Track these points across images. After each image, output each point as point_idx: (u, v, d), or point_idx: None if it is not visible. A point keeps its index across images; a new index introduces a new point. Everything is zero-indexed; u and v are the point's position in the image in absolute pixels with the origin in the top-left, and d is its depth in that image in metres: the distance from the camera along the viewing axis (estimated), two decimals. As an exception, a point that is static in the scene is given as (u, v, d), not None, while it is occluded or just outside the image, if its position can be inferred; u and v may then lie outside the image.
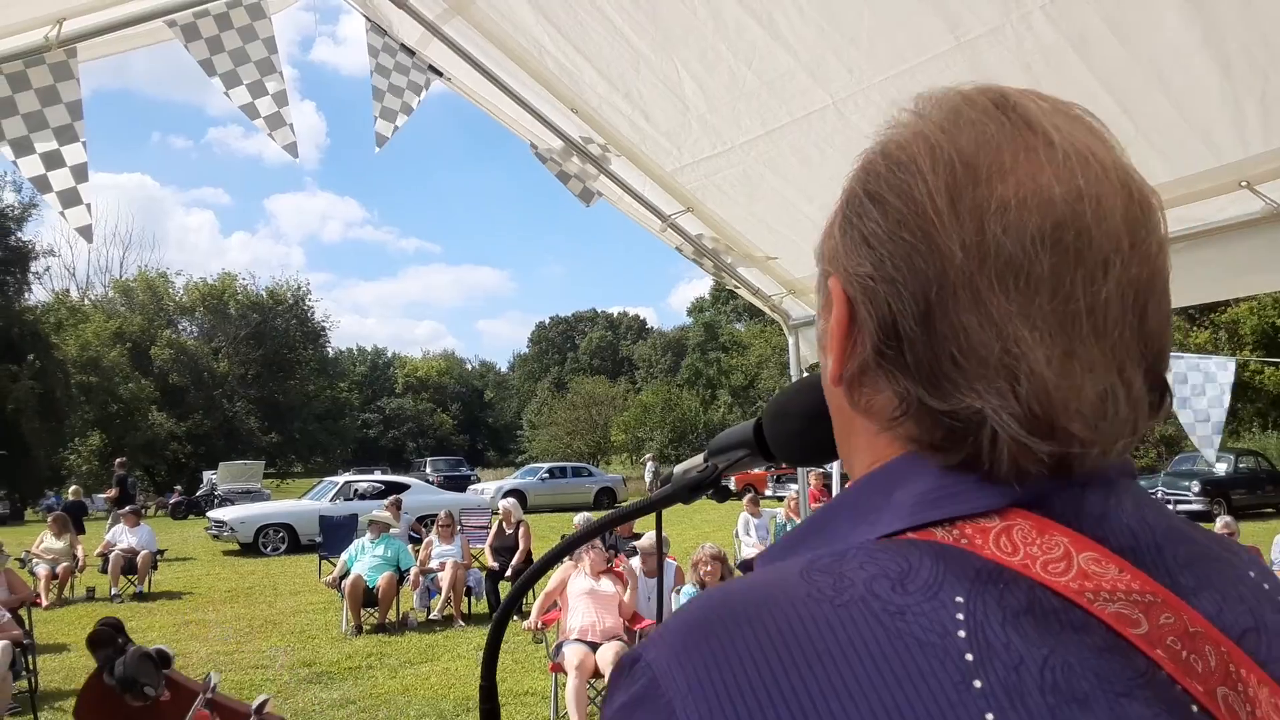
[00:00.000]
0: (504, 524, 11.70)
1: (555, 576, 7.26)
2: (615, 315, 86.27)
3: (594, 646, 6.52)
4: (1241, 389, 27.15)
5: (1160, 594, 0.49)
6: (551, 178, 3.73)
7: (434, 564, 11.04)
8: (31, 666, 7.25)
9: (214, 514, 19.99)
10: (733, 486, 23.15)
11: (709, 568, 6.71)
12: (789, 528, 10.39)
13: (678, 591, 7.33)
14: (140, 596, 12.60)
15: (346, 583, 10.17)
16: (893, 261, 0.54)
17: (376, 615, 10.26)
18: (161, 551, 13.75)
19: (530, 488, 28.74)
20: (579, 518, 12.55)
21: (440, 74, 3.26)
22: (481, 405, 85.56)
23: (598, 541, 7.32)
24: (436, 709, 7.15)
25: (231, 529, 18.30)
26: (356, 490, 20.16)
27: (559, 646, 6.75)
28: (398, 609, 10.47)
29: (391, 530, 11.26)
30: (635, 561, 7.74)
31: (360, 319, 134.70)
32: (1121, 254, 0.52)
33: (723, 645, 0.47)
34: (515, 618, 8.04)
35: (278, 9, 2.79)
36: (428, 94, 3.18)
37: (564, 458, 46.26)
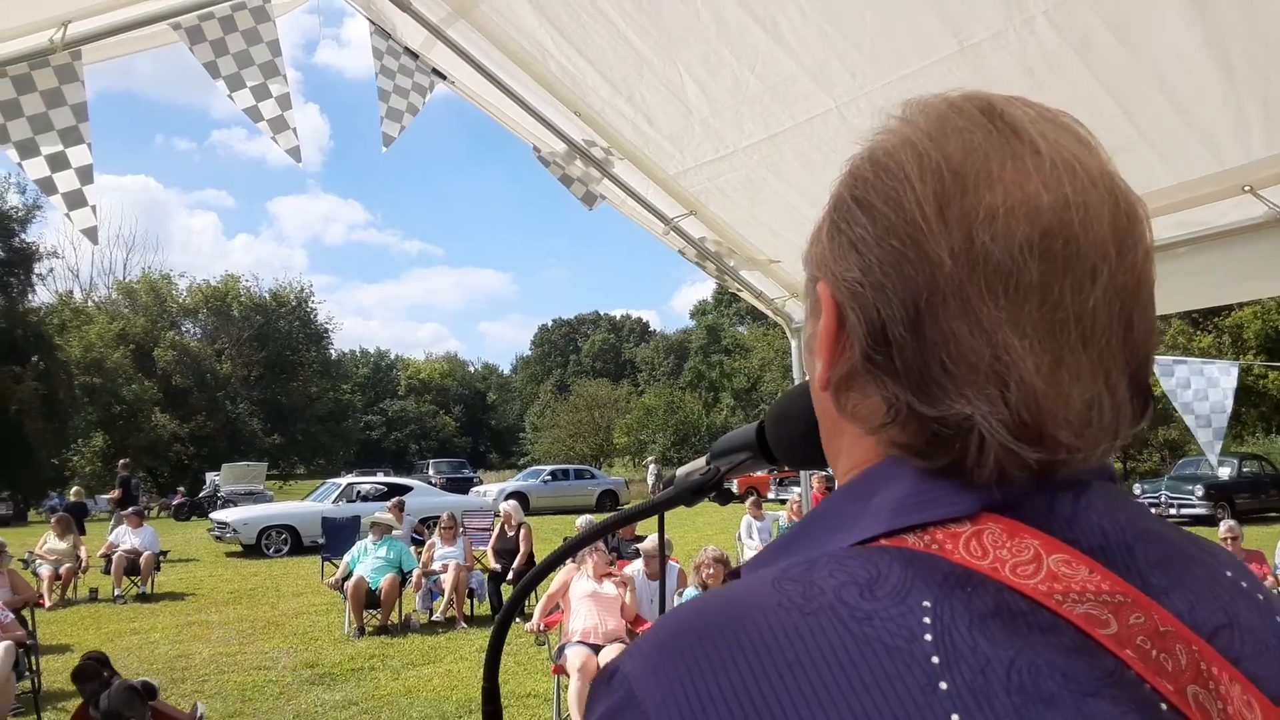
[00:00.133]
0: (505, 526, 11.71)
1: (558, 579, 7.27)
2: (618, 318, 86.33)
3: (596, 649, 6.52)
4: (1245, 393, 27.09)
5: (1130, 594, 0.50)
6: (554, 181, 3.73)
7: (436, 566, 11.05)
8: (35, 667, 7.26)
9: (217, 515, 20.03)
10: (735, 489, 23.14)
11: (711, 570, 6.71)
12: (791, 531, 10.37)
13: (680, 594, 7.33)
14: (143, 598, 12.62)
15: (349, 584, 10.19)
16: (881, 267, 0.55)
17: (379, 617, 10.27)
18: (164, 553, 13.77)
19: (533, 490, 28.76)
20: (581, 520, 12.56)
21: (444, 77, 3.26)
22: (484, 407, 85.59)
23: (600, 544, 7.32)
24: (439, 711, 7.15)
25: (234, 530, 18.34)
26: (359, 492, 20.21)
27: (561, 649, 6.75)
28: (400, 611, 10.48)
29: (394, 532, 11.27)
30: (638, 564, 7.74)
31: (363, 321, 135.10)
32: (1109, 262, 0.52)
33: (696, 657, 0.48)
34: (518, 620, 8.04)
35: (282, 12, 2.80)
36: (431, 97, 3.19)
37: (566, 460, 46.20)
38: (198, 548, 19.19)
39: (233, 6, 2.58)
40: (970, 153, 0.54)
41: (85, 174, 2.43)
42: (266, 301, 50.61)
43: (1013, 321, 0.51)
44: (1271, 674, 0.50)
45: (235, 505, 23.10)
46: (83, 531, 14.69)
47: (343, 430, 56.75)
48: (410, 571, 10.67)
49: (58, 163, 2.41)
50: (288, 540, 18.27)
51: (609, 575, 7.04)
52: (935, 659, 0.45)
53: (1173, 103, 2.62)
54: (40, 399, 32.27)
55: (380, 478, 25.36)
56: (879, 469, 0.57)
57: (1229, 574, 0.56)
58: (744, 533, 13.03)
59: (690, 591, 7.23)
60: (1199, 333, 31.35)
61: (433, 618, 10.72)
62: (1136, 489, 23.02)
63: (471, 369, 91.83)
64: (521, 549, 11.21)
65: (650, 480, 33.16)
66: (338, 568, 11.00)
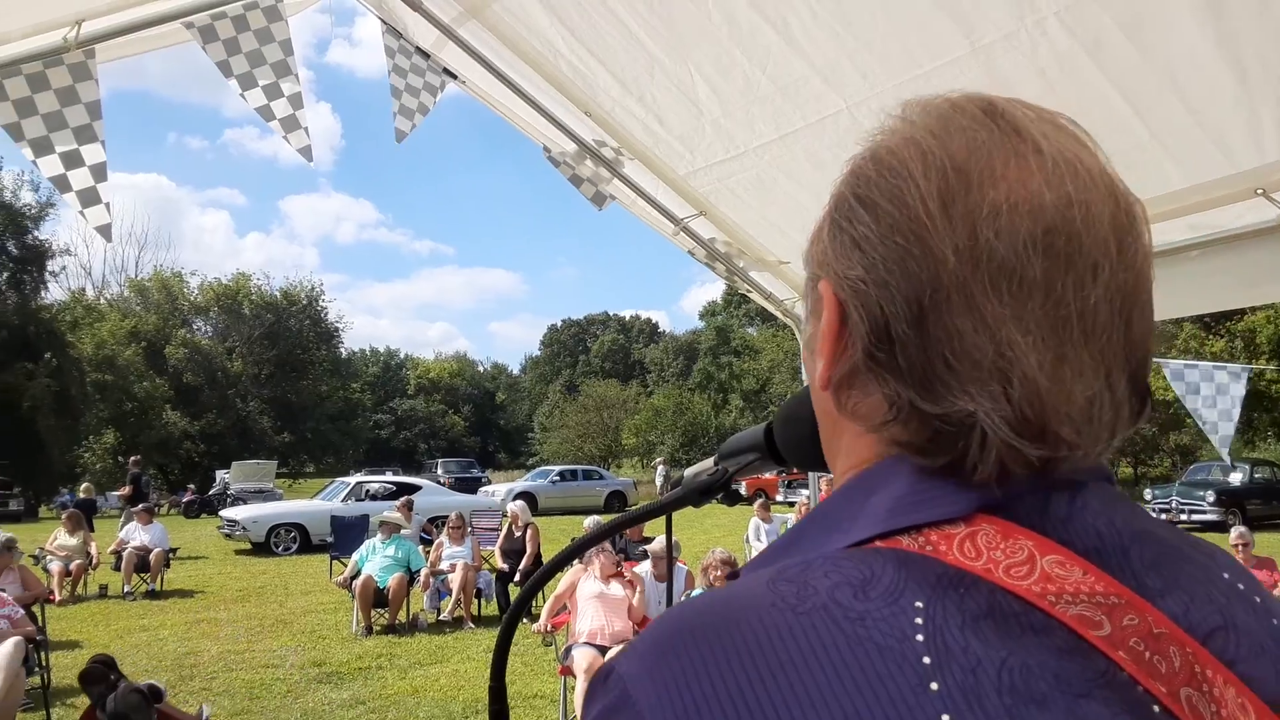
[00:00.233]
0: (512, 526, 11.72)
1: (565, 579, 7.27)
2: (627, 318, 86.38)
3: (603, 650, 6.52)
4: (1257, 398, 26.95)
5: (1125, 595, 0.50)
6: (564, 181, 3.74)
7: (444, 565, 11.07)
8: (44, 663, 7.29)
9: (226, 513, 20.10)
10: (744, 491, 23.12)
11: (719, 572, 6.71)
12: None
13: (688, 596, 7.33)
14: (152, 594, 12.68)
15: (357, 583, 10.20)
16: (885, 265, 0.55)
17: (387, 616, 10.29)
18: (174, 550, 13.82)
19: (541, 490, 28.78)
20: (589, 521, 12.56)
21: (455, 77, 3.27)
22: (493, 407, 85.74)
23: (607, 545, 7.33)
24: (446, 710, 7.16)
25: (244, 528, 18.39)
26: (368, 491, 20.23)
27: (568, 650, 6.75)
28: (408, 610, 10.49)
29: (402, 531, 11.29)
30: (646, 565, 7.74)
31: (373, 320, 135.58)
32: (1110, 260, 0.53)
33: (690, 657, 0.48)
34: (525, 620, 8.05)
35: (294, 11, 2.81)
36: (442, 96, 3.19)
37: (575, 460, 46.26)
38: (207, 545, 19.26)
39: (245, 6, 2.59)
40: (974, 151, 0.54)
41: (99, 172, 2.45)
42: (277, 300, 50.75)
43: (1016, 318, 0.51)
44: (1267, 676, 0.50)
45: (245, 503, 23.21)
46: (91, 528, 14.75)
47: (352, 429, 56.87)
48: (418, 571, 10.69)
49: (72, 160, 2.42)
50: (296, 538, 18.32)
51: (616, 576, 7.04)
52: (927, 659, 0.45)
53: (1185, 104, 2.61)
54: (52, 396, 32.46)
55: (389, 477, 25.40)
56: (878, 469, 0.57)
57: (1226, 576, 0.56)
58: (751, 535, 13.02)
59: (697, 593, 7.22)
60: (1211, 337, 31.19)
61: (440, 617, 10.73)
62: (1147, 494, 22.93)
63: (481, 369, 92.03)
64: (528, 549, 11.21)
65: (659, 481, 33.18)
66: (346, 566, 11.02)
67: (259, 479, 29.84)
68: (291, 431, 48.70)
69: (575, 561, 7.14)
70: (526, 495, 26.31)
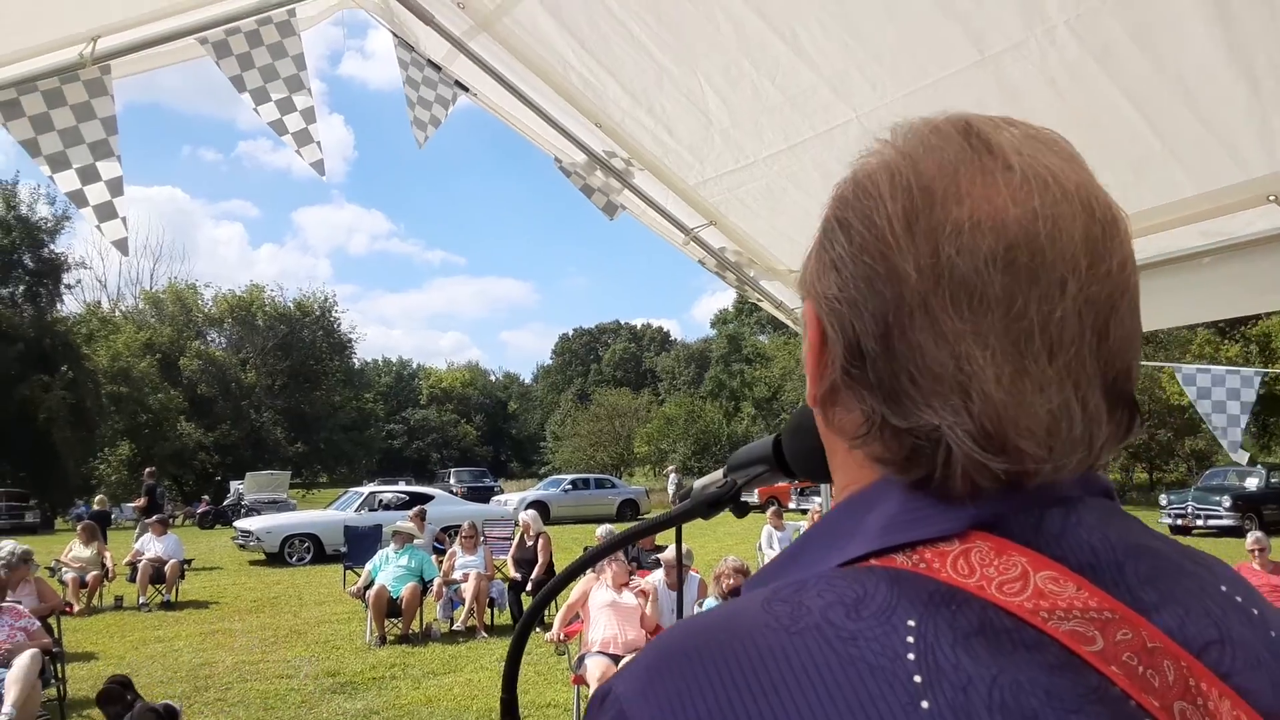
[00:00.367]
0: (524, 536, 11.73)
1: (577, 588, 7.26)
2: (638, 327, 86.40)
3: (616, 659, 6.51)
4: (1273, 402, 26.76)
5: (1118, 610, 0.50)
6: (575, 190, 3.75)
7: (457, 575, 11.07)
8: (60, 674, 7.32)
9: (240, 524, 20.18)
10: (755, 499, 23.07)
11: (732, 580, 6.69)
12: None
13: (701, 604, 7.32)
14: (168, 605, 12.72)
15: (371, 593, 10.22)
16: (855, 284, 0.56)
17: (400, 626, 10.30)
18: (189, 561, 13.87)
19: (553, 499, 28.77)
20: (601, 530, 12.54)
21: (466, 89, 3.29)
22: (505, 416, 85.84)
23: (619, 554, 7.32)
24: (459, 720, 7.16)
25: (258, 539, 18.45)
26: (381, 501, 20.27)
27: (581, 659, 6.74)
28: (421, 620, 10.51)
29: (415, 541, 11.31)
30: (659, 574, 7.73)
31: (386, 330, 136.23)
32: (1079, 274, 0.53)
33: (685, 678, 0.49)
34: (537, 629, 8.05)
35: (307, 26, 2.83)
36: (454, 108, 3.21)
37: (587, 469, 46.20)
38: (221, 556, 19.33)
39: (259, 21, 2.61)
40: (942, 169, 0.55)
41: (115, 186, 2.47)
42: (291, 311, 51.03)
43: (975, 333, 0.52)
44: (1263, 689, 0.50)
45: (259, 514, 23.26)
46: (106, 540, 14.82)
47: (365, 439, 57.04)
48: (431, 580, 10.70)
49: (88, 175, 2.45)
50: (310, 549, 18.37)
51: (628, 585, 7.04)
52: (918, 678, 0.46)
53: (1195, 111, 2.60)
54: (68, 408, 32.68)
55: (402, 486, 25.43)
56: (874, 486, 0.58)
57: (1224, 589, 0.56)
58: (764, 542, 13.00)
59: (710, 602, 7.21)
60: (1227, 341, 31.02)
61: (453, 627, 10.74)
62: (1163, 499, 22.78)
63: (493, 378, 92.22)
64: (540, 559, 11.21)
65: (671, 490, 33.10)
66: (359, 576, 11.04)
67: (273, 490, 29.93)
68: (305, 442, 48.88)
69: (588, 571, 7.14)
70: (539, 504, 26.29)
